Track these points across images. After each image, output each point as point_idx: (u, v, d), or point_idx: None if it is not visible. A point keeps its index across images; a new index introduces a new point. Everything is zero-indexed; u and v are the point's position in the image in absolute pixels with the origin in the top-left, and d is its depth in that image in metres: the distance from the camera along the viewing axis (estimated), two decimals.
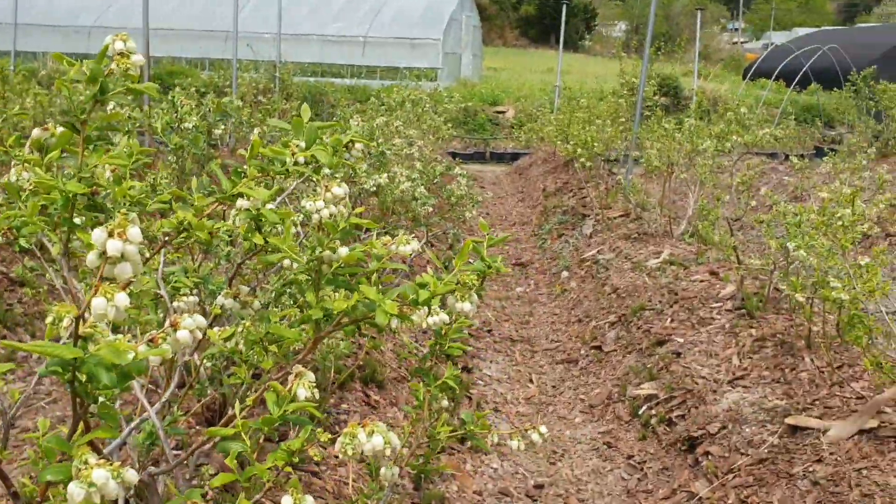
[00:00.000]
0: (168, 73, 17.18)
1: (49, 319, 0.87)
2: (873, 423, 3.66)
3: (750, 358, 4.67)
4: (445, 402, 1.82)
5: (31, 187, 1.30)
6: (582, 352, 6.30)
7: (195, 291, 2.21)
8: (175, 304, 1.87)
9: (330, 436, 1.24)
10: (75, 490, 0.84)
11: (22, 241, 1.36)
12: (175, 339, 1.05)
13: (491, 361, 6.25)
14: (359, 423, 1.18)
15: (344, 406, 4.32)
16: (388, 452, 1.17)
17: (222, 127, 3.16)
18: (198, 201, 1.25)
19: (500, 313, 7.40)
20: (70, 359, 0.84)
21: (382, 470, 1.55)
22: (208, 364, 2.35)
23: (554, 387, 5.89)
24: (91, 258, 0.87)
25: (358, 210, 1.47)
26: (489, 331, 6.89)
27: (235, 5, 11.28)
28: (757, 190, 8.80)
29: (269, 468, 1.15)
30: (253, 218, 1.52)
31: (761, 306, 5.19)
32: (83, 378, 0.86)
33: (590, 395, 5.57)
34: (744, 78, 22.98)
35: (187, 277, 2.11)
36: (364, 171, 4.52)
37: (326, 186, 1.41)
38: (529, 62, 35.50)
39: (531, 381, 5.96)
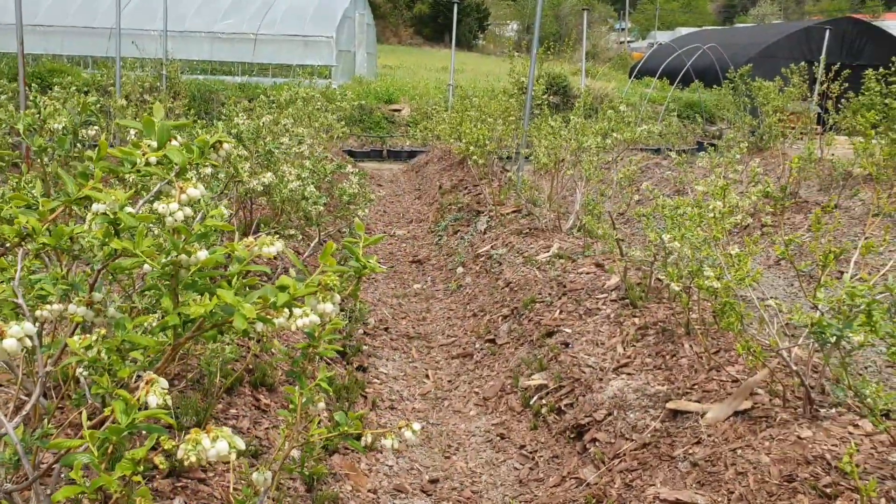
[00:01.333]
0: (48, 72, 16.39)
1: None
2: (747, 405, 3.85)
3: (633, 346, 4.83)
4: (322, 405, 1.80)
5: None
6: (477, 345, 6.38)
7: (66, 300, 2.12)
8: (38, 312, 1.79)
9: (174, 443, 1.21)
10: None
11: None
12: (2, 348, 1.00)
13: (387, 359, 6.25)
14: (204, 430, 1.16)
15: (233, 411, 4.22)
16: (233, 457, 1.15)
17: (95, 128, 3.03)
18: (43, 205, 1.19)
19: (397, 310, 7.41)
20: None
21: (255, 475, 1.52)
22: (85, 373, 2.26)
23: (450, 381, 5.94)
24: None
25: (215, 212, 1.44)
26: (386, 328, 6.89)
27: (118, 4, 10.86)
28: (640, 185, 9.10)
29: (118, 478, 1.11)
30: (110, 222, 1.47)
31: (644, 296, 5.38)
32: None
33: (484, 388, 5.65)
34: (630, 76, 23.74)
35: (55, 285, 2.03)
36: (247, 170, 4.44)
37: (181, 188, 1.38)
38: (424, 60, 35.65)
39: (427, 376, 5.99)
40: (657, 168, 13.15)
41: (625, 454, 3.99)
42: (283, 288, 1.28)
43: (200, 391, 4.28)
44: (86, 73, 17.28)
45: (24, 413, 1.64)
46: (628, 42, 53.08)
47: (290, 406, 1.76)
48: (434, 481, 4.54)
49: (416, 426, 1.63)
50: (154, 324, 1.44)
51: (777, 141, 12.18)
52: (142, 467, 1.11)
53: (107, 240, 1.48)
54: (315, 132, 8.62)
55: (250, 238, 1.48)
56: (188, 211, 1.37)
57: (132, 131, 3.20)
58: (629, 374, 4.58)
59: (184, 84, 14.80)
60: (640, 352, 4.75)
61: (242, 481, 1.72)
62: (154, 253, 1.42)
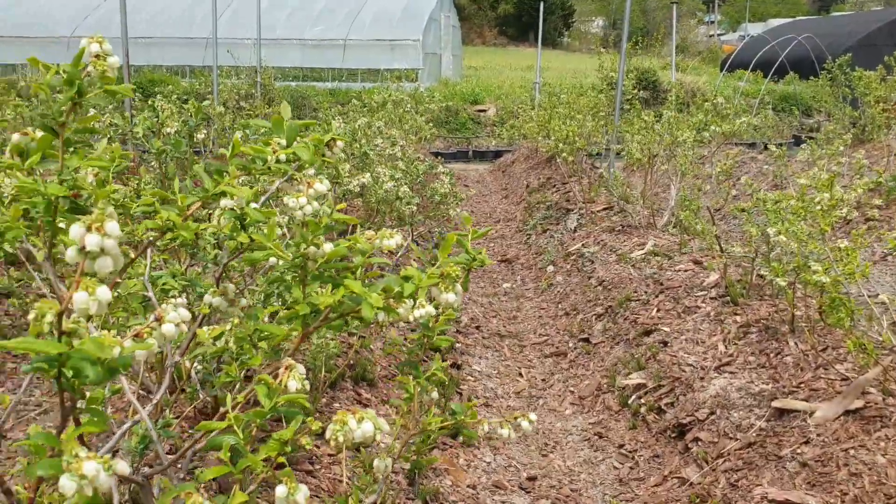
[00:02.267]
0: (149, 82, 17.10)
1: (31, 316, 0.88)
2: (858, 404, 3.71)
3: (735, 344, 4.71)
4: (435, 395, 1.83)
5: (12, 192, 1.31)
6: (570, 344, 6.34)
7: (183, 294, 2.22)
8: (164, 306, 1.87)
9: (321, 424, 1.26)
10: (67, 483, 0.85)
11: (6, 246, 1.36)
12: (161, 332, 1.06)
13: (480, 357, 6.27)
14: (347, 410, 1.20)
15: (336, 405, 4.32)
16: (378, 438, 1.18)
17: (204, 132, 3.16)
18: (181, 200, 1.26)
19: (487, 309, 7.42)
20: (55, 354, 0.85)
21: (376, 462, 1.56)
22: (199, 367, 2.36)
23: (543, 380, 5.92)
24: (70, 254, 0.88)
25: (339, 206, 1.49)
26: (477, 327, 6.92)
27: (214, 12, 11.25)
28: (737, 179, 8.87)
29: (262, 459, 1.16)
30: (237, 217, 1.53)
31: (745, 293, 5.24)
32: (69, 373, 0.87)
33: (579, 387, 5.61)
34: (721, 69, 23.12)
35: (175, 280, 2.12)
36: (347, 171, 4.53)
37: (309, 183, 1.43)
38: (509, 60, 35.56)
39: (521, 375, 5.99)
40: (753, 162, 12.77)
41: (729, 453, 3.90)
42: (407, 278, 1.31)
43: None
44: (184, 81, 17.96)
45: (154, 401, 1.72)
46: (718, 35, 51.69)
47: (405, 395, 1.80)
48: (532, 479, 4.54)
49: (533, 416, 1.64)
50: (282, 315, 1.50)
51: (880, 132, 11.66)
52: (289, 448, 1.16)
53: (234, 234, 1.54)
54: (405, 134, 8.73)
55: (370, 232, 1.52)
56: (316, 205, 1.42)
57: (237, 133, 3.33)
58: (732, 372, 4.47)
59: (277, 91, 15.19)
60: (742, 350, 4.63)
61: (356, 470, 1.76)
62: (281, 246, 1.48)
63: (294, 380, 1.22)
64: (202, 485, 1.04)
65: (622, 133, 9.62)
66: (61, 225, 1.33)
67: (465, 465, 4.54)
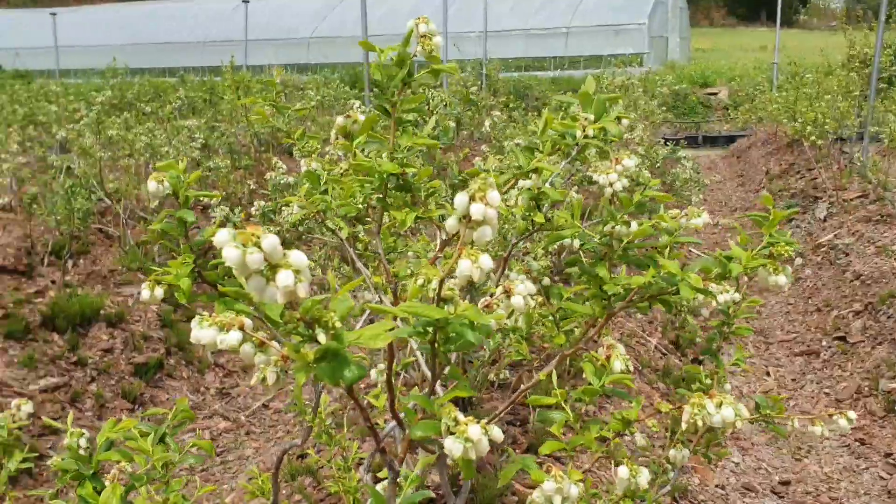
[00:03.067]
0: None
1: (419, 282, 0.92)
2: None
3: None
4: (728, 386, 1.74)
5: (341, 171, 1.39)
6: (823, 343, 5.87)
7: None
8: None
9: (669, 406, 1.22)
10: (454, 445, 0.88)
11: (329, 223, 1.45)
12: (509, 304, 1.07)
13: (722, 353, 5.98)
14: (705, 395, 1.15)
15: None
16: (738, 425, 1.13)
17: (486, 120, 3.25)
18: (494, 178, 1.27)
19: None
20: (436, 319, 0.88)
21: (671, 452, 1.51)
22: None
23: (793, 380, 5.54)
24: (450, 223, 0.91)
25: (654, 182, 1.44)
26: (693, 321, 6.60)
27: (444, 7, 11.58)
28: None
29: (596, 438, 1.15)
30: (533, 197, 1.53)
31: None
32: (442, 339, 0.90)
33: (836, 389, 5.18)
34: None
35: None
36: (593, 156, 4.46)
37: (617, 159, 1.39)
38: (739, 41, 33.67)
39: (768, 374, 5.64)
40: None
41: None
42: (729, 258, 1.24)
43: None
44: None
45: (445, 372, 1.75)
46: None
47: (696, 385, 1.72)
48: (785, 483, 4.26)
49: (852, 414, 1.50)
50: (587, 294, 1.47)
51: None
52: (634, 429, 1.14)
53: (529, 214, 1.54)
54: (638, 119, 8.49)
55: (675, 210, 1.46)
56: (626, 181, 1.38)
57: (493, 113, 3.37)
58: None
59: (501, 82, 15.39)
60: None
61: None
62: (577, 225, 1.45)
63: (619, 360, 1.20)
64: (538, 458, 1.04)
65: (878, 114, 8.76)
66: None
67: (713, 464, 4.36)
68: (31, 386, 4.70)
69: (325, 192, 1.64)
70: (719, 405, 1.15)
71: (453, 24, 19.14)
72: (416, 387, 2.97)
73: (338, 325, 0.76)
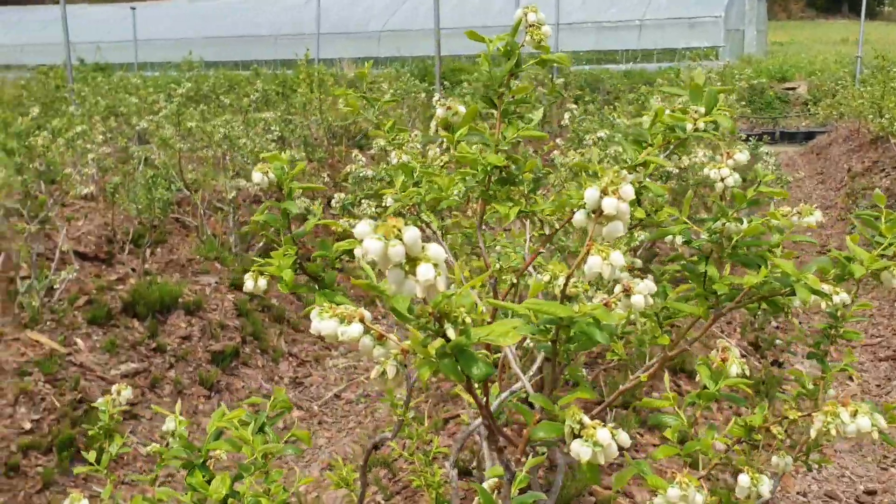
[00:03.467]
0: (451, 71, 17.96)
1: (545, 278, 0.89)
2: None
3: None
4: (832, 392, 1.67)
5: (440, 164, 1.37)
6: None
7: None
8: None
9: (799, 413, 1.17)
10: (581, 449, 0.85)
11: (423, 216, 1.44)
12: (628, 303, 1.04)
13: (801, 356, 5.79)
14: (841, 403, 1.10)
15: (654, 394, 4.22)
16: (875, 436, 1.08)
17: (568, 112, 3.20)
18: (600, 172, 1.23)
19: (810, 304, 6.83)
20: (560, 317, 0.85)
21: (774, 459, 1.45)
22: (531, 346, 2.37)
23: (878, 385, 5.33)
24: (578, 217, 0.88)
25: (769, 177, 1.38)
26: (800, 323, 6.40)
27: (516, 1, 11.49)
28: None
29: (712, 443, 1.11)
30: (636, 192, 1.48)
31: None
32: (564, 338, 0.87)
33: None
34: None
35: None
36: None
37: (728, 153, 1.34)
38: (818, 34, 32.66)
39: (851, 378, 5.44)
40: None
41: None
42: (849, 259, 1.18)
43: (624, 371, 4.33)
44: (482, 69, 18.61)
45: (533, 370, 1.73)
46: None
47: (795, 392, 1.65)
48: (870, 493, 4.10)
49: None
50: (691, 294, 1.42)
51: None
52: (760, 436, 1.10)
53: (631, 209, 1.49)
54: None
55: (786, 207, 1.39)
56: (737, 177, 1.33)
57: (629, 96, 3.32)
58: None
59: (573, 75, 15.22)
60: None
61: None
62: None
63: (736, 364, 1.15)
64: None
65: None
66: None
67: (792, 470, 4.22)
68: (112, 371, 4.84)
69: (417, 184, 1.62)
70: (854, 414, 1.09)
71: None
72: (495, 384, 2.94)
73: (468, 320, 0.74)
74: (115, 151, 7.89)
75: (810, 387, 1.67)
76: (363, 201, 3.27)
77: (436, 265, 0.68)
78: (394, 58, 19.73)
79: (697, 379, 4.06)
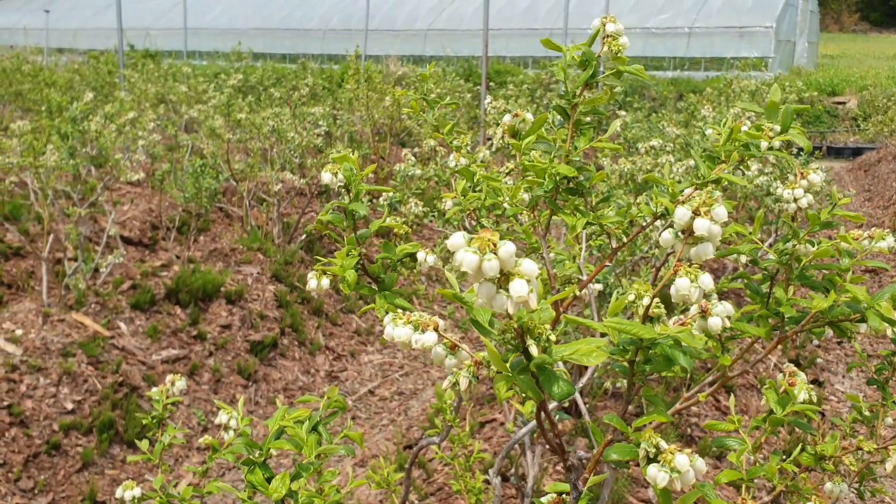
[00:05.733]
0: (495, 72, 17.93)
1: (629, 297, 0.88)
2: None
3: None
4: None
5: (507, 171, 1.36)
6: None
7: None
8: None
9: (874, 446, 1.15)
10: (658, 474, 0.84)
11: (484, 221, 1.43)
12: (703, 325, 1.02)
13: (843, 376, 5.68)
14: None
15: (694, 409, 4.16)
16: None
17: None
18: (671, 186, 1.21)
19: None
20: (643, 338, 0.84)
21: (828, 486, 1.42)
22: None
23: None
24: (666, 237, 0.87)
25: (845, 200, 1.35)
26: (839, 342, 6.28)
27: (567, 5, 11.43)
28: None
29: (777, 469, 1.09)
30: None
31: None
32: (642, 359, 0.86)
33: None
34: None
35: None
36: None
37: (802, 173, 1.31)
38: (871, 48, 32.03)
39: None
40: None
41: None
42: None
43: (663, 384, 4.29)
44: (525, 72, 18.56)
45: (581, 383, 1.71)
46: None
47: (851, 417, 1.61)
48: None
49: None
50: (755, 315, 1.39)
51: None
52: (831, 466, 1.08)
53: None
54: None
55: (857, 231, 1.36)
56: (810, 198, 1.30)
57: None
58: None
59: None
60: None
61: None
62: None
63: (804, 390, 1.13)
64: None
65: None
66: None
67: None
68: (153, 356, 4.91)
69: (476, 189, 1.62)
70: None
71: (574, 20, 18.89)
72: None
73: (552, 337, 0.73)
74: (163, 139, 8.00)
75: (867, 413, 1.63)
76: (410, 200, 3.27)
77: (528, 281, 0.67)
78: (439, 57, 19.74)
79: (738, 394, 4.00)
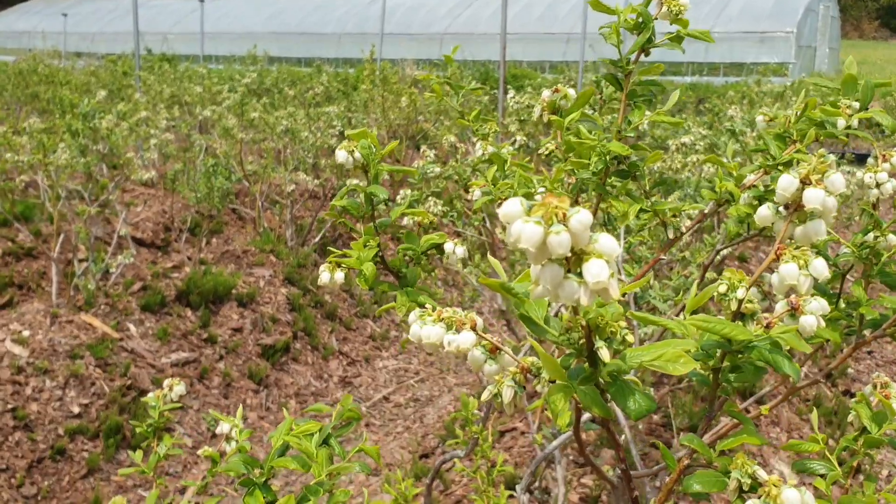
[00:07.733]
0: (512, 76, 17.79)
1: (721, 288, 0.73)
2: None
3: None
4: None
5: (547, 151, 1.22)
6: None
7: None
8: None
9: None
10: None
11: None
12: (794, 325, 0.86)
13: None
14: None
15: (723, 419, 3.99)
16: None
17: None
18: (734, 169, 1.05)
19: None
20: (737, 340, 0.69)
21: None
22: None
23: None
24: (764, 213, 0.71)
25: None
26: (870, 352, 6.08)
27: (585, 9, 11.28)
28: None
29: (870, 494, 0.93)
30: (758, 196, 1.30)
31: None
32: (728, 366, 0.71)
33: None
34: None
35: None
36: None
37: (884, 155, 1.15)
38: (892, 55, 31.71)
39: None
40: None
41: None
42: None
43: (692, 394, 4.12)
44: (541, 76, 18.40)
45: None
46: None
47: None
48: None
49: None
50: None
51: None
52: None
53: (748, 214, 1.31)
54: None
55: None
56: (895, 183, 1.14)
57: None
58: None
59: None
60: None
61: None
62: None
63: None
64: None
65: None
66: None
67: None
68: (162, 359, 4.78)
69: (507, 177, 1.47)
70: None
71: (590, 25, 18.73)
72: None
73: (629, 338, 0.58)
74: (177, 139, 7.90)
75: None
76: (429, 199, 3.12)
77: (608, 262, 0.51)
78: (455, 60, 19.60)
79: (766, 405, 3.80)
